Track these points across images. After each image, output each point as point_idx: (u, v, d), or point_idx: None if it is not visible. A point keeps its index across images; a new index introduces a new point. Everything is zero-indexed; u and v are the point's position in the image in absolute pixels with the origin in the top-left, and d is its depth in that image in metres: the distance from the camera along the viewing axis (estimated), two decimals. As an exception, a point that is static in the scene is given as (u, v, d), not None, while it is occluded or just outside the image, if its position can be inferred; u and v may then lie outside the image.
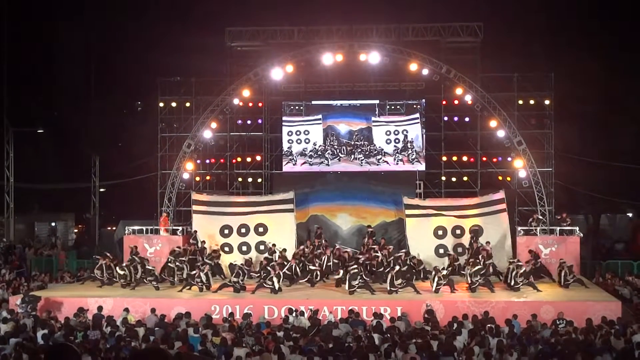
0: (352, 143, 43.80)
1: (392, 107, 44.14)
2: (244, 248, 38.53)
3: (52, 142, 53.61)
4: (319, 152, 44.16)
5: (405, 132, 43.63)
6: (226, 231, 39.06)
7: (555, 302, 29.22)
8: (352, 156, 43.78)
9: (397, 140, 43.82)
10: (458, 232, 37.77)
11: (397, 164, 43.64)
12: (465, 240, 37.14)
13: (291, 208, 39.38)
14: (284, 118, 44.31)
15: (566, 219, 37.70)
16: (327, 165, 43.85)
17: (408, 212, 38.81)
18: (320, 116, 44.62)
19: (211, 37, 46.33)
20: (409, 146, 43.61)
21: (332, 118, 44.50)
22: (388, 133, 43.94)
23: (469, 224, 37.61)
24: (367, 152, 43.76)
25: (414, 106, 43.95)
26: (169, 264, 34.32)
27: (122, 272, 33.60)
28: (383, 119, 44.09)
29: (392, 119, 44.04)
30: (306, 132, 44.23)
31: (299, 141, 44.23)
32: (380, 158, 43.67)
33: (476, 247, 35.19)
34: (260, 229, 38.95)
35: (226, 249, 38.40)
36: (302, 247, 36.69)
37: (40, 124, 50.39)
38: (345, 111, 44.55)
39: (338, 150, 43.91)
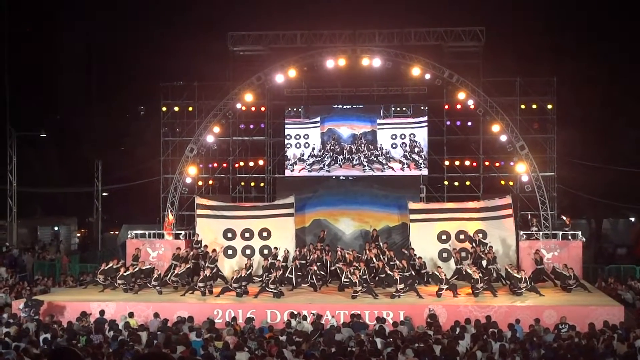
0: (355, 148, 43.56)
1: (398, 109, 43.87)
2: (248, 252, 38.47)
3: (55, 146, 53.71)
4: (318, 158, 44.00)
5: (412, 136, 43.37)
6: (229, 234, 39.07)
7: (557, 306, 29.19)
8: (355, 161, 43.55)
9: (404, 145, 43.39)
10: (462, 237, 37.60)
11: (403, 170, 43.41)
12: (469, 245, 36.97)
13: (291, 212, 39.31)
14: (287, 121, 44.32)
15: (568, 224, 37.69)
16: (328, 172, 43.71)
17: (412, 216, 38.62)
18: (318, 119, 44.33)
19: (213, 41, 46.42)
20: (417, 151, 43.36)
21: (333, 121, 44.13)
22: (394, 137, 43.55)
23: (473, 229, 37.46)
24: (371, 158, 43.55)
25: (421, 108, 43.83)
26: (176, 270, 34.26)
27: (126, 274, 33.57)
28: (388, 121, 43.68)
29: (398, 121, 43.69)
30: (306, 136, 44.07)
31: (297, 145, 44.00)
32: (386, 164, 43.51)
33: (479, 251, 35.15)
34: (264, 234, 38.95)
35: (229, 252, 38.38)
36: (303, 250, 36.57)
37: (43, 128, 50.44)
38: (347, 113, 44.20)
39: (339, 156, 43.71)
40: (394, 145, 43.62)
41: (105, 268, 34.38)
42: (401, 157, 43.47)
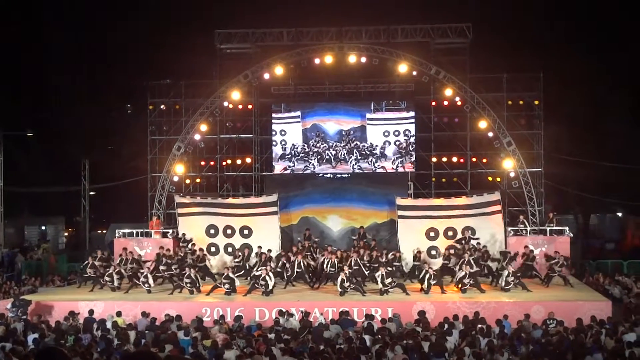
0: (343, 146, 43.17)
1: (391, 102, 43.29)
2: (230, 249, 38.31)
3: (42, 145, 53.49)
4: (301, 156, 43.42)
5: (407, 132, 42.83)
6: (212, 231, 38.81)
7: (545, 302, 29.25)
8: (342, 160, 43.12)
9: (397, 142, 42.65)
10: (450, 233, 37.44)
11: (396, 169, 42.90)
12: (457, 242, 36.84)
13: (275, 211, 38.89)
14: (274, 115, 44.10)
15: (552, 220, 37.77)
16: (313, 171, 43.37)
17: (400, 213, 38.42)
18: (298, 113, 43.68)
19: (200, 39, 46.35)
20: (411, 149, 42.91)
21: (318, 116, 43.43)
22: (387, 134, 42.89)
23: (461, 225, 37.36)
24: (360, 156, 42.99)
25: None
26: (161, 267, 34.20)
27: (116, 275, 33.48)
28: (380, 115, 42.95)
29: (391, 116, 43.01)
30: (283, 133, 43.63)
31: (274, 143, 43.60)
32: (378, 163, 42.84)
33: (467, 247, 35.15)
34: (245, 231, 38.64)
35: (212, 249, 38.18)
36: (293, 248, 36.39)
37: (29, 127, 50.22)
38: (334, 108, 43.59)
39: (324, 153, 43.41)
40: (387, 143, 42.87)
41: (95, 262, 34.41)
42: (395, 155, 42.85)
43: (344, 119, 43.31)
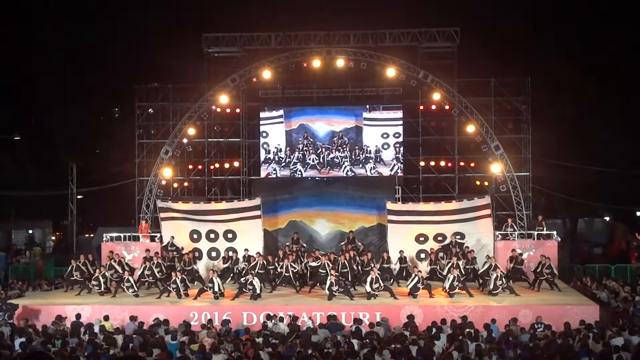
0: (334, 149, 42.64)
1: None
2: (214, 254, 37.69)
3: (29, 149, 53.35)
4: (287, 162, 42.57)
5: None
6: (195, 236, 38.03)
7: (533, 306, 29.28)
8: (335, 166, 42.28)
9: (397, 145, 41.91)
10: (440, 238, 37.15)
11: (395, 174, 42.22)
12: (447, 246, 36.70)
13: (258, 214, 37.86)
14: (262, 115, 43.83)
15: (542, 223, 37.73)
16: (300, 176, 42.68)
17: (390, 217, 37.74)
18: (281, 112, 42.90)
19: (188, 43, 46.42)
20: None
21: (306, 115, 42.59)
22: (385, 135, 41.97)
23: (451, 230, 37.09)
24: (354, 159, 42.15)
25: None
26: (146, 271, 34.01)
27: (100, 279, 33.26)
28: (378, 115, 41.93)
29: (391, 115, 42.10)
30: (264, 135, 42.86)
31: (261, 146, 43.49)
32: (376, 169, 42.08)
33: (455, 252, 35.10)
34: (229, 235, 37.77)
35: (196, 254, 37.88)
36: (279, 252, 36.18)
37: (17, 131, 50.09)
38: (325, 106, 43.23)
39: (311, 156, 42.41)
40: (386, 145, 42.00)
41: (79, 264, 34.24)
42: (393, 159, 42.19)
43: (336, 119, 42.33)
